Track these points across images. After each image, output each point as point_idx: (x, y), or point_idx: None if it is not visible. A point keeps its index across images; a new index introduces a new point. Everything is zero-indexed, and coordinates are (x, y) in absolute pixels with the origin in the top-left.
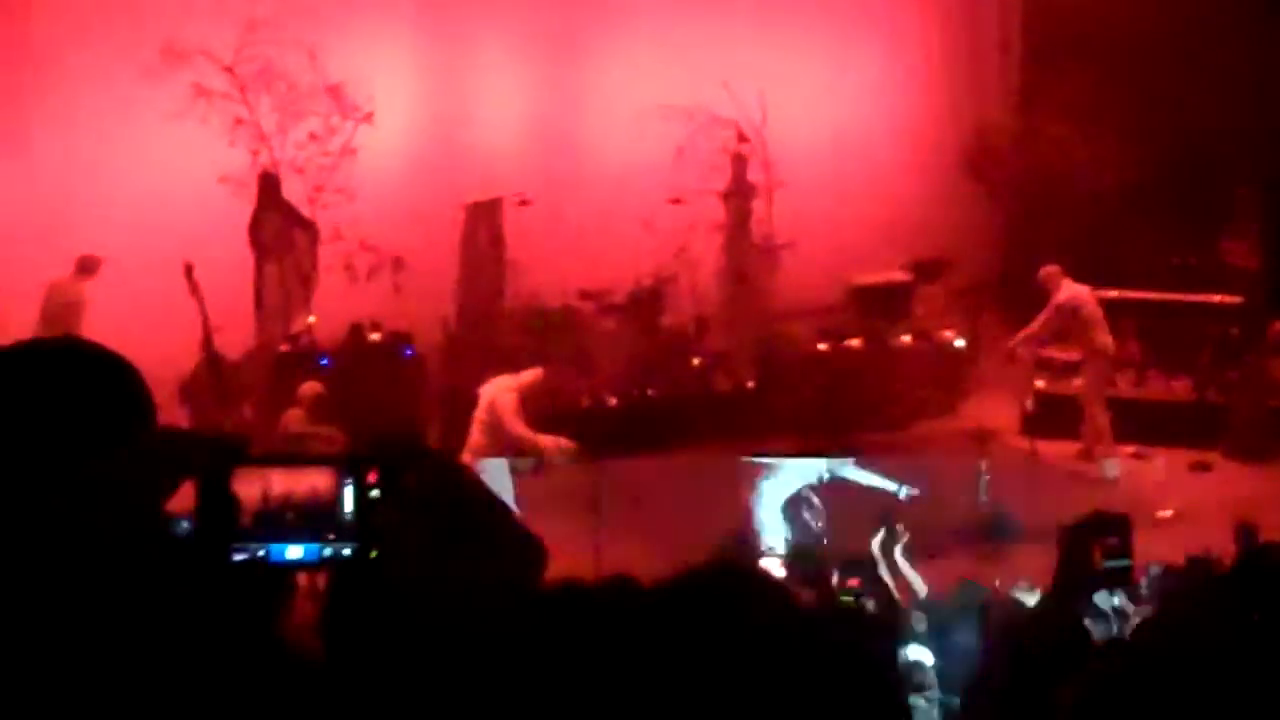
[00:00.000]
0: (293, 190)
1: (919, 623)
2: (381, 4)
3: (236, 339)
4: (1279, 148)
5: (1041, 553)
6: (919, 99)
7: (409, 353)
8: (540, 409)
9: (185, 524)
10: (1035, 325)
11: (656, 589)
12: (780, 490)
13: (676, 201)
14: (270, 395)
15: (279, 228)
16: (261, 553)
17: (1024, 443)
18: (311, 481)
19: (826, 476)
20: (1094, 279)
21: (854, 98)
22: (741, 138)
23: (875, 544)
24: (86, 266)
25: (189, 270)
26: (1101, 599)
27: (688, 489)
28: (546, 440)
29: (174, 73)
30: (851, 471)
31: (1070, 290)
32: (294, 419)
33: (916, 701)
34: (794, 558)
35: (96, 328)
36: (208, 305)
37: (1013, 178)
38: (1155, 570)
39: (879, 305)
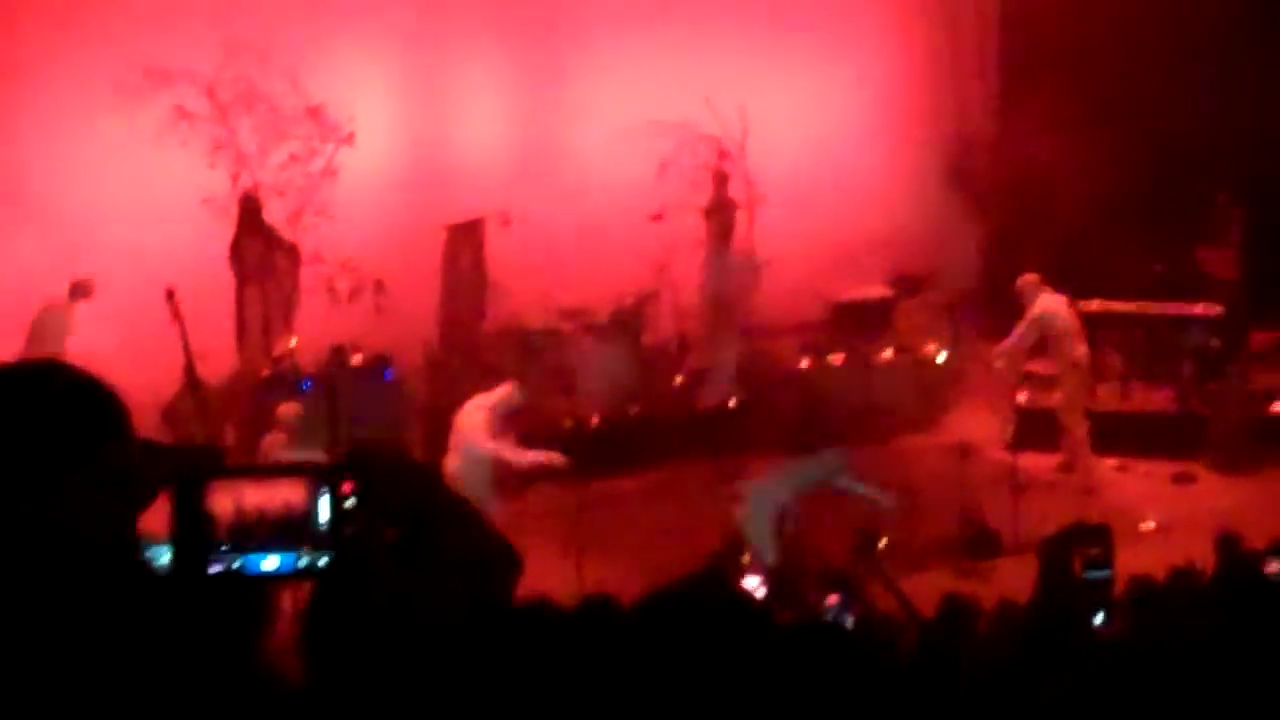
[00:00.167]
0: (274, 212)
1: None
2: (362, 25)
3: (219, 362)
4: (1257, 157)
5: (1024, 566)
6: (899, 113)
7: (390, 375)
8: (522, 429)
9: (159, 542)
10: (1013, 337)
11: (632, 607)
12: (762, 507)
13: (658, 219)
14: (252, 418)
15: (260, 250)
16: (237, 564)
17: (1007, 456)
18: (285, 492)
19: (809, 488)
20: (1076, 290)
21: (834, 113)
22: (723, 154)
23: (857, 559)
24: (80, 290)
25: (170, 294)
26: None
27: (670, 507)
28: (514, 454)
29: (155, 95)
30: (837, 481)
31: (1046, 301)
32: (275, 442)
33: None
34: (774, 575)
35: (79, 352)
36: (189, 329)
37: (994, 190)
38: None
39: (860, 321)
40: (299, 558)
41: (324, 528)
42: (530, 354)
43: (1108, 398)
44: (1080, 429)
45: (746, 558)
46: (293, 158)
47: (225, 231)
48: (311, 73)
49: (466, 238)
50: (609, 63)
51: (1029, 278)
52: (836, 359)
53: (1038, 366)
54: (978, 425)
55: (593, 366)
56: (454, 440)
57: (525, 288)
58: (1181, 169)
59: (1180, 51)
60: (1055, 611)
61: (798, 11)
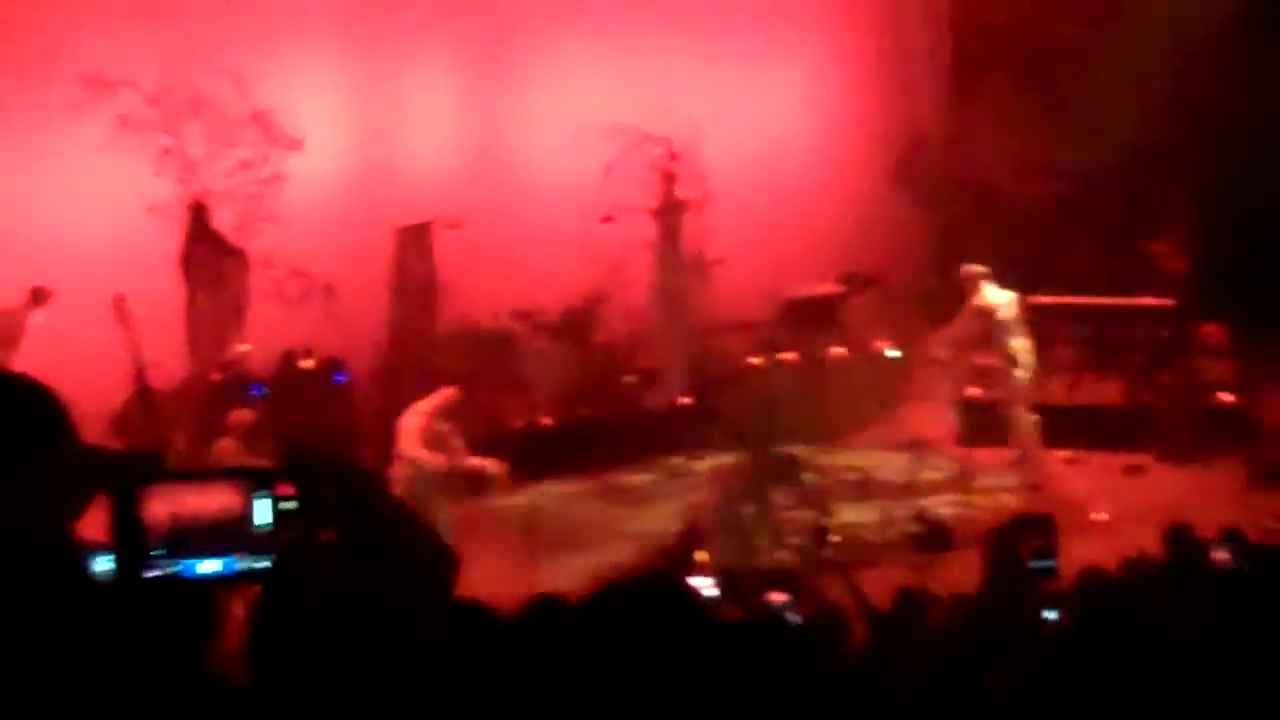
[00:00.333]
0: (223, 219)
1: None
2: (309, 30)
3: (170, 369)
4: (1205, 149)
5: (976, 559)
6: (848, 110)
7: (341, 379)
8: (474, 431)
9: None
10: (953, 326)
11: (577, 604)
12: (713, 505)
13: (608, 220)
14: (203, 425)
15: (209, 257)
16: (175, 569)
17: (959, 450)
18: (223, 497)
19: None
20: (1026, 284)
21: (784, 111)
22: (672, 155)
23: (810, 555)
24: (39, 297)
25: (119, 302)
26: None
27: (622, 508)
28: (432, 459)
29: (100, 104)
30: (787, 482)
31: (988, 294)
32: (226, 448)
33: None
34: (723, 572)
35: (29, 361)
36: (140, 337)
37: (944, 185)
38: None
39: (810, 318)
40: (238, 562)
41: (262, 531)
42: (481, 356)
43: (1058, 391)
44: (1024, 423)
45: (699, 555)
46: (241, 164)
47: (175, 239)
48: (259, 78)
49: (416, 241)
50: (558, 65)
51: (971, 269)
52: (788, 357)
53: (989, 359)
54: (930, 421)
55: (544, 367)
56: (395, 448)
57: (476, 290)
58: (1132, 163)
59: (1131, 46)
60: (1002, 601)
61: (746, 11)
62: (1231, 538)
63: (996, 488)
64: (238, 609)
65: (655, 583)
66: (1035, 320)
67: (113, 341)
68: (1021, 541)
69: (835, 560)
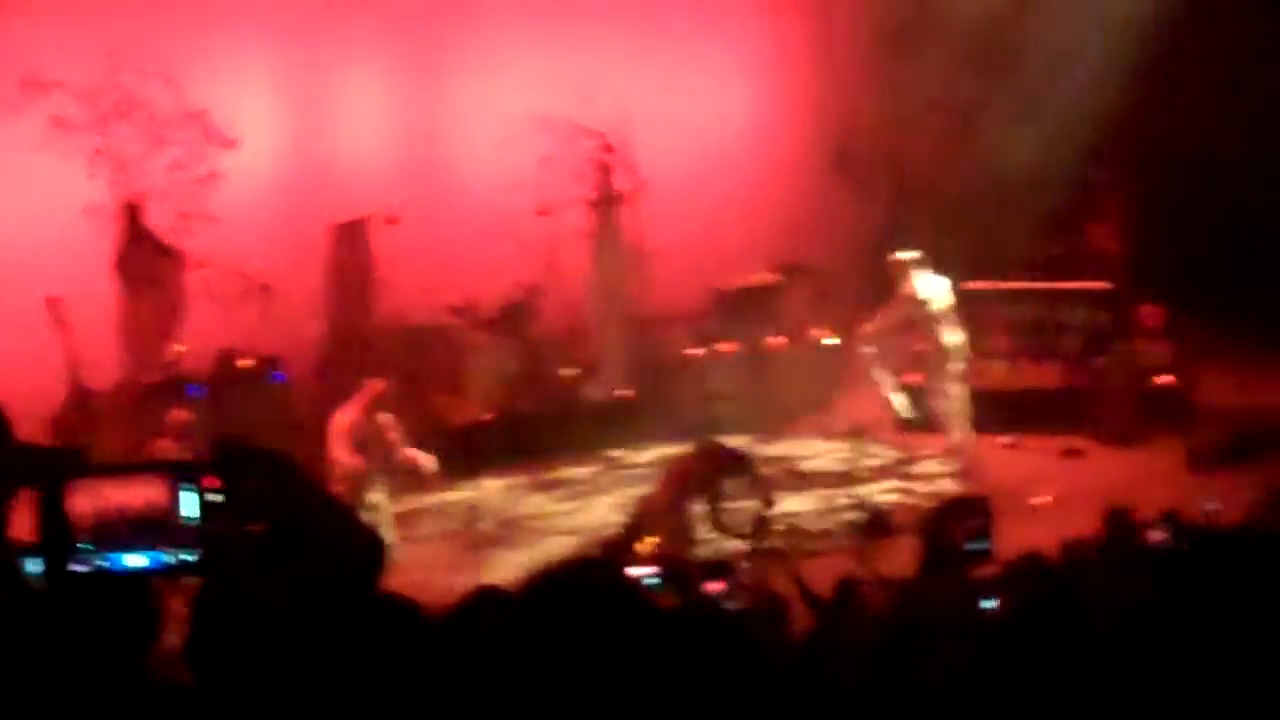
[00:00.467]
0: (158, 219)
1: None
2: (241, 28)
3: (107, 371)
4: (1139, 130)
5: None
6: (780, 99)
7: (279, 377)
8: (412, 426)
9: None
10: (879, 317)
11: (514, 593)
12: (656, 496)
13: (544, 213)
14: (140, 426)
15: (145, 257)
16: (101, 563)
17: (898, 438)
18: (149, 491)
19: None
20: (964, 270)
21: (716, 101)
22: (606, 147)
23: (752, 544)
24: None
25: (53, 303)
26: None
27: (562, 501)
28: (350, 457)
29: (33, 105)
30: (729, 469)
31: (916, 282)
32: (163, 448)
33: None
34: (664, 561)
35: None
36: (75, 338)
37: (879, 173)
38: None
39: (749, 308)
40: (165, 555)
41: (189, 524)
42: (419, 351)
43: (997, 375)
44: (950, 408)
45: (640, 545)
46: (176, 163)
47: (109, 240)
48: (192, 78)
49: (351, 237)
50: (491, 59)
51: (897, 258)
52: (727, 347)
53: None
54: (869, 409)
55: (482, 361)
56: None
57: (412, 285)
58: (1067, 146)
59: (1067, 27)
60: (937, 583)
61: (675, 1)
62: (1170, 519)
63: (936, 474)
64: (178, 606)
65: (593, 571)
66: (972, 305)
67: (49, 343)
68: (956, 523)
69: (778, 549)
